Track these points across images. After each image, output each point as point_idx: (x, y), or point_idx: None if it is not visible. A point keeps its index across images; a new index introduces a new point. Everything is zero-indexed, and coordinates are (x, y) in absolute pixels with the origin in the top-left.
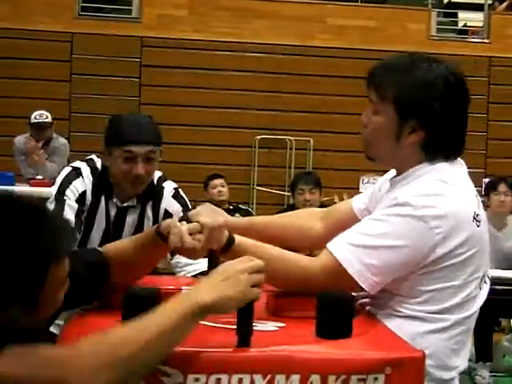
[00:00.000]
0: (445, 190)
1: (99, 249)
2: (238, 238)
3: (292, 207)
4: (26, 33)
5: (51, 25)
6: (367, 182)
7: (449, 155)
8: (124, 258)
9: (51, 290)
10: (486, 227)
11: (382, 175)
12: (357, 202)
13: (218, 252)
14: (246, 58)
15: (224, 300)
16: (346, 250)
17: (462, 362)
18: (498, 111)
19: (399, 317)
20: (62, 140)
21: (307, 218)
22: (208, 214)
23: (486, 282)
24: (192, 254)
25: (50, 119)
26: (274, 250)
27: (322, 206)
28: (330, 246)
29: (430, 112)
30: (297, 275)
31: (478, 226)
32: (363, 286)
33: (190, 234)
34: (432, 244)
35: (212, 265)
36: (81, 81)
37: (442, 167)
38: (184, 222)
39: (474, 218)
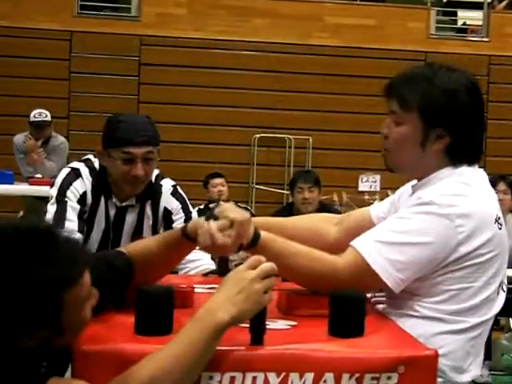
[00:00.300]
0: (468, 191)
1: (122, 249)
2: (263, 233)
3: (291, 206)
4: (25, 31)
5: (50, 23)
6: (366, 181)
7: (472, 160)
8: (147, 257)
9: (73, 312)
10: (506, 232)
11: (380, 174)
12: (375, 210)
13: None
14: (244, 57)
15: (242, 313)
16: (371, 247)
17: (475, 368)
18: (497, 110)
19: (416, 317)
20: (61, 139)
21: (323, 222)
22: (235, 210)
23: (503, 290)
24: (223, 250)
25: (49, 118)
26: (299, 246)
27: (322, 204)
28: (354, 243)
29: (455, 119)
30: (321, 272)
31: (499, 229)
32: (387, 283)
33: (220, 232)
34: (456, 242)
35: (222, 262)
36: (80, 79)
37: (464, 171)
38: (211, 220)
39: (496, 221)
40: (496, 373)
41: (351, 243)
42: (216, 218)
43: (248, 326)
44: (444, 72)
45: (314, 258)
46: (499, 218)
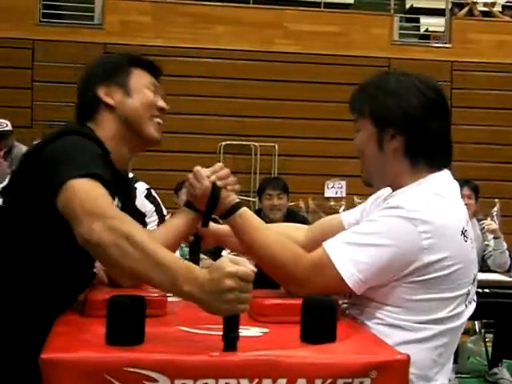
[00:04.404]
0: (438, 201)
1: None
2: (244, 209)
3: (258, 212)
4: None
5: (12, 32)
6: (332, 187)
7: (432, 162)
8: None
9: (135, 83)
10: (474, 245)
11: (346, 180)
12: (347, 216)
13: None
14: (208, 64)
15: (198, 301)
16: (337, 247)
17: (443, 376)
18: (460, 115)
19: (380, 324)
20: (24, 148)
21: (293, 229)
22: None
23: (470, 303)
24: (198, 180)
25: (9, 127)
26: (274, 233)
27: (288, 210)
28: (325, 243)
29: (404, 118)
30: (284, 259)
31: (465, 241)
32: (347, 282)
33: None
34: (418, 248)
35: (193, 249)
36: (42, 88)
37: (436, 180)
38: None
39: (463, 233)
40: (462, 376)
41: (323, 243)
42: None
43: (220, 333)
44: (394, 77)
45: (284, 244)
46: (465, 231)
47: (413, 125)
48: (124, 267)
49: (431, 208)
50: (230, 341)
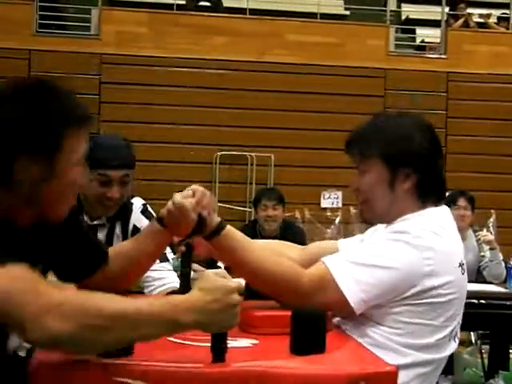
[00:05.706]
0: (440, 231)
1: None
2: (229, 227)
3: (254, 223)
4: None
5: (8, 42)
6: (328, 197)
7: (438, 198)
8: (124, 252)
9: (66, 160)
10: (466, 278)
11: (342, 190)
12: (344, 243)
13: (192, 250)
14: (205, 75)
15: (208, 323)
16: (340, 264)
17: None
18: (456, 126)
19: (368, 343)
20: None
21: (287, 247)
22: (199, 188)
23: (455, 340)
24: (183, 214)
25: None
26: (265, 250)
27: (284, 221)
28: (325, 258)
29: (417, 158)
30: (285, 279)
31: (462, 274)
32: (349, 300)
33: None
34: (421, 274)
35: (184, 281)
36: None
37: (438, 213)
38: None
39: (460, 265)
40: None
41: (322, 259)
42: None
43: (209, 344)
44: (394, 118)
45: (280, 262)
46: (463, 264)
47: (425, 164)
48: (109, 344)
49: (435, 237)
50: (219, 351)
